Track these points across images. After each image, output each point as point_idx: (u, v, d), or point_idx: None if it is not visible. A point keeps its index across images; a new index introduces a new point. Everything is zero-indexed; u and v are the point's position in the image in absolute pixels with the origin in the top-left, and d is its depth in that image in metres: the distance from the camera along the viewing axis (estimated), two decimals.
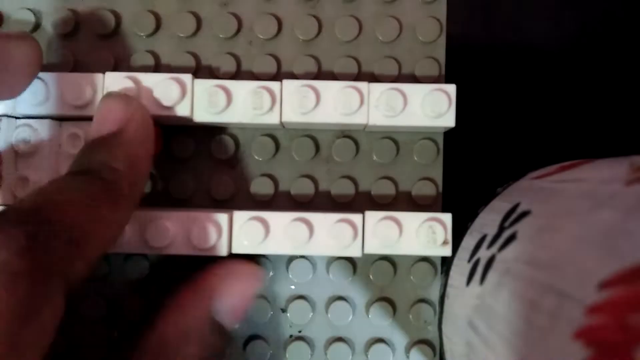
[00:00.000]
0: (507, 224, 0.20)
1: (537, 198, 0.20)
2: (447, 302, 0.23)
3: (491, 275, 0.19)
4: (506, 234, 0.20)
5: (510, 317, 0.17)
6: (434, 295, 0.26)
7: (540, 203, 0.19)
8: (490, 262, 0.20)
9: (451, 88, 0.23)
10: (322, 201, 0.26)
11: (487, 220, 0.22)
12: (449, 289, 0.23)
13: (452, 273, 0.24)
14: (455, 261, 0.24)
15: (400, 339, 0.26)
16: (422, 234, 0.23)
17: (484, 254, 0.21)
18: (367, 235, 0.23)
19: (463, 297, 0.21)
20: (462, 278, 0.22)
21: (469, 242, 0.23)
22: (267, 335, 0.26)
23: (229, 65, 0.26)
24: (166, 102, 0.23)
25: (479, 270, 0.20)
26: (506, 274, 0.18)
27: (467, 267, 0.22)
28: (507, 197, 0.22)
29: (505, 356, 0.16)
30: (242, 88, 0.23)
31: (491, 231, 0.21)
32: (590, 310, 0.14)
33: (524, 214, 0.19)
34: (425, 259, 0.26)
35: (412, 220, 0.23)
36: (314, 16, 0.26)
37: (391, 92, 0.23)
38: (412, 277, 0.26)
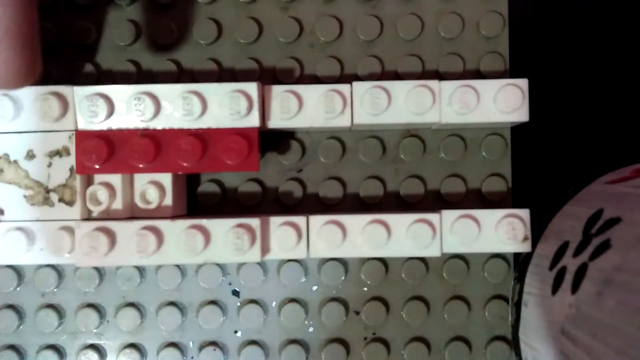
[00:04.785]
0: (593, 230, 0.20)
1: (623, 204, 0.19)
2: (525, 309, 0.23)
3: (587, 285, 0.19)
4: (596, 241, 0.19)
5: (623, 327, 0.16)
6: (509, 291, 0.25)
7: (630, 210, 0.19)
8: (582, 270, 0.19)
9: (523, 82, 0.23)
10: (391, 201, 0.26)
11: (565, 227, 0.22)
12: (527, 297, 0.23)
13: (528, 280, 0.23)
14: (532, 268, 0.23)
15: (476, 336, 0.26)
16: (501, 230, 0.23)
17: (570, 261, 0.20)
18: (445, 234, 0.23)
19: (549, 305, 0.21)
20: (545, 286, 0.21)
21: (545, 248, 0.23)
22: (342, 338, 0.26)
23: (292, 69, 0.26)
24: (234, 115, 0.23)
25: (568, 279, 0.20)
26: (607, 283, 0.18)
27: (550, 275, 0.21)
28: (583, 203, 0.22)
29: None
30: (312, 92, 0.23)
31: (574, 238, 0.21)
32: None
33: (613, 221, 0.19)
34: (498, 255, 0.25)
35: (490, 217, 0.23)
36: (375, 16, 0.26)
37: (463, 89, 0.23)
38: (485, 274, 0.25)
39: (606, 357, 0.17)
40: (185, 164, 0.21)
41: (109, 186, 0.23)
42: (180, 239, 0.22)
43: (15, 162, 0.23)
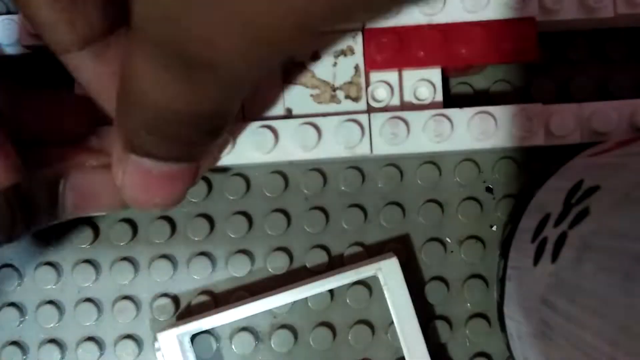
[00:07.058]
0: (574, 200, 0.20)
1: (602, 174, 0.20)
2: (508, 284, 0.23)
3: (566, 252, 0.19)
4: (576, 210, 0.19)
5: (600, 289, 0.16)
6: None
7: (608, 178, 0.19)
8: (561, 239, 0.19)
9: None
10: None
11: (547, 200, 0.22)
12: (510, 271, 0.23)
13: (512, 255, 0.23)
14: (515, 243, 0.23)
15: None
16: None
17: (551, 232, 0.20)
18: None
19: (532, 277, 0.21)
20: (528, 259, 0.21)
21: (528, 223, 0.23)
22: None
23: None
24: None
25: (549, 249, 0.20)
26: (586, 248, 0.18)
27: (532, 248, 0.21)
28: (565, 176, 0.22)
29: (596, 327, 0.16)
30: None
31: (555, 209, 0.21)
32: None
33: (592, 189, 0.19)
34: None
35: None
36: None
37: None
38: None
39: (584, 320, 0.17)
40: (469, 55, 0.23)
41: (387, 84, 0.23)
42: None
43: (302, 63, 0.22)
